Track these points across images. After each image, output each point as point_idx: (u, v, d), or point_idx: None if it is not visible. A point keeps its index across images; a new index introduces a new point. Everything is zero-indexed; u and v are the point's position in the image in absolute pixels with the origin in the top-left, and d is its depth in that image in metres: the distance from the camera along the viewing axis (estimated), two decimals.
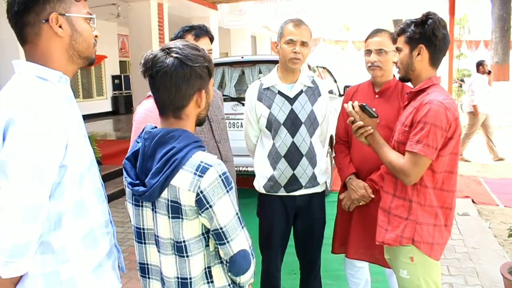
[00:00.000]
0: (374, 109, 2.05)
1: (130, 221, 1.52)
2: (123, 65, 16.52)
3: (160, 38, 9.70)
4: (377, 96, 2.55)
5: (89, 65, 1.48)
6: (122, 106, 15.85)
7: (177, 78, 1.33)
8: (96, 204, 1.43)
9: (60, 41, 1.36)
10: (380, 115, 2.39)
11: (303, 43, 2.45)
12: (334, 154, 5.90)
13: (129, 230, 4.90)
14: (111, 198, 6.13)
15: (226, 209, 1.33)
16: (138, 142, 1.44)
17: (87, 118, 12.50)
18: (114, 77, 15.93)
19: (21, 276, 1.28)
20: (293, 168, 2.50)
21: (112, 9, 11.03)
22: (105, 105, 15.67)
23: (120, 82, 16.00)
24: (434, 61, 1.98)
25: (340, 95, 7.23)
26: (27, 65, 1.34)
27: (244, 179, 4.75)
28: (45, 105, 1.25)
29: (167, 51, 1.35)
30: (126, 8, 9.69)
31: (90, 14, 1.42)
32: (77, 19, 1.38)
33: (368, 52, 2.53)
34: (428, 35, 1.91)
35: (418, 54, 1.95)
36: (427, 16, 1.93)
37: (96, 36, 1.45)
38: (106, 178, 6.50)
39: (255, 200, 2.72)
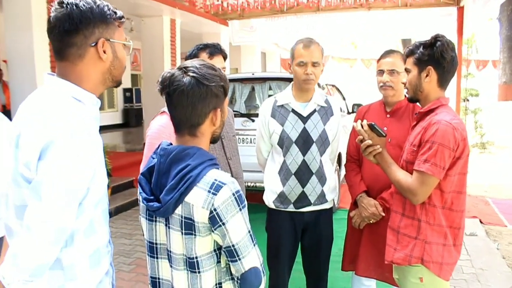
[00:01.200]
0: (385, 128, 2.06)
1: (143, 234, 1.54)
2: (134, 78, 16.70)
3: (172, 53, 9.83)
4: (388, 115, 2.58)
5: (115, 87, 1.51)
6: (133, 119, 15.99)
7: (193, 96, 1.37)
8: (103, 224, 1.45)
9: (101, 65, 1.39)
10: (392, 135, 2.43)
11: (314, 64, 2.49)
12: (341, 171, 5.91)
13: (137, 243, 4.93)
14: (120, 210, 6.16)
15: (238, 227, 1.35)
16: (153, 158, 1.47)
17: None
18: (125, 90, 16.09)
19: None
20: (303, 186, 2.54)
21: (125, 24, 11.17)
22: (116, 117, 15.83)
23: (131, 95, 16.16)
24: (443, 83, 2.01)
25: (349, 113, 7.25)
26: (63, 83, 1.36)
27: (253, 194, 4.77)
28: (83, 130, 1.27)
29: (184, 70, 1.39)
30: (139, 23, 9.85)
31: (126, 40, 1.45)
32: (118, 45, 1.41)
33: (381, 72, 2.58)
34: (436, 57, 1.95)
35: (427, 75, 1.98)
36: (436, 38, 1.97)
37: None
38: (115, 190, 6.56)
39: (263, 215, 2.75)
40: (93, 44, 1.34)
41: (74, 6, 1.31)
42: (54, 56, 1.38)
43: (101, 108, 13.49)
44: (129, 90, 16.20)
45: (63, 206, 1.21)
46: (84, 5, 1.31)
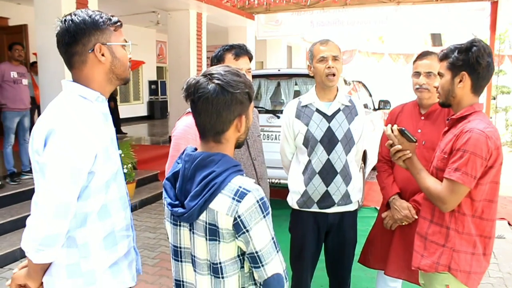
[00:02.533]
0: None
1: (168, 238, 1.55)
2: (160, 70, 16.85)
3: (197, 46, 9.87)
4: (422, 117, 2.54)
5: (124, 84, 1.68)
6: (158, 111, 16.18)
7: (218, 104, 1.36)
8: (120, 210, 1.64)
9: (102, 67, 1.57)
10: (426, 137, 2.41)
11: (335, 58, 2.48)
12: (366, 168, 5.83)
13: (161, 236, 4.99)
14: (144, 203, 6.24)
15: (262, 234, 1.34)
16: (178, 163, 1.48)
17: (123, 121, 12.80)
18: (150, 82, 16.26)
19: (49, 266, 1.52)
20: (327, 185, 2.53)
21: (152, 17, 11.30)
22: (141, 109, 16.03)
23: (157, 87, 16.32)
24: (477, 89, 1.94)
25: (375, 109, 7.15)
26: (73, 85, 1.57)
27: (277, 190, 4.76)
28: (81, 119, 1.47)
29: (209, 77, 1.38)
30: (165, 16, 9.92)
31: (126, 41, 1.62)
32: (116, 46, 1.58)
33: (417, 74, 2.54)
34: (471, 62, 1.88)
35: (460, 81, 1.92)
36: (472, 43, 1.89)
37: (130, 59, 1.65)
38: (140, 183, 6.63)
39: (286, 211, 2.75)
40: (91, 50, 1.53)
41: (70, 21, 1.52)
42: (66, 66, 1.59)
43: (127, 100, 13.78)
44: (155, 83, 16.37)
45: (62, 183, 1.41)
46: (78, 18, 1.52)
